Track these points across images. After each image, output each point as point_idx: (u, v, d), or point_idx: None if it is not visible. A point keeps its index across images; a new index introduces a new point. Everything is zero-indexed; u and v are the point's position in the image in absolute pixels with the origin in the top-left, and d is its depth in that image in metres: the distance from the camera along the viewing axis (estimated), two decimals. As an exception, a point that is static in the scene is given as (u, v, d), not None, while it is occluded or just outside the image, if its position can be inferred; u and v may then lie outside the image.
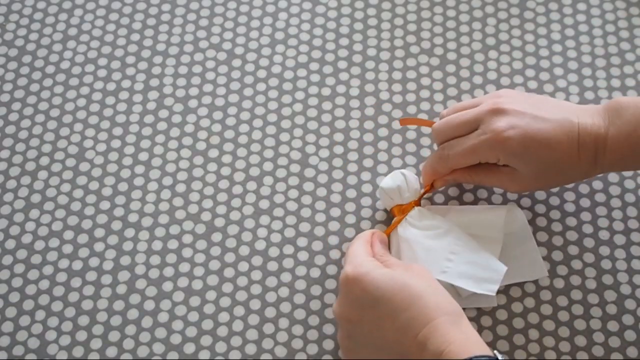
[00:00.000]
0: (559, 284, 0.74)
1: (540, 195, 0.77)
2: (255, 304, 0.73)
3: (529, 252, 0.73)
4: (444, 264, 0.70)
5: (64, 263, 0.75)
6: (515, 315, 0.72)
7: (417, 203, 0.74)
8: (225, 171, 0.78)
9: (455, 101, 0.81)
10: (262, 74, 0.83)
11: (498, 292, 0.73)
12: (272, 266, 0.75)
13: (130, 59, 0.84)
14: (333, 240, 0.76)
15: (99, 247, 0.75)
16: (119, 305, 0.73)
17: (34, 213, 0.77)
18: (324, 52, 0.84)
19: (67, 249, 0.75)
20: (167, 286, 0.74)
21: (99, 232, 0.76)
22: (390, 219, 0.76)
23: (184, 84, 0.82)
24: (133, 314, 0.73)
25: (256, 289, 0.74)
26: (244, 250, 0.75)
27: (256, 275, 0.74)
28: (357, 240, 0.70)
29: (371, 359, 0.65)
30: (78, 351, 0.71)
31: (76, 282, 0.74)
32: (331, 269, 0.74)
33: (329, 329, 0.72)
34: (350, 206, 0.77)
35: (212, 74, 0.83)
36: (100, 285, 0.74)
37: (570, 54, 0.83)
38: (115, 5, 0.86)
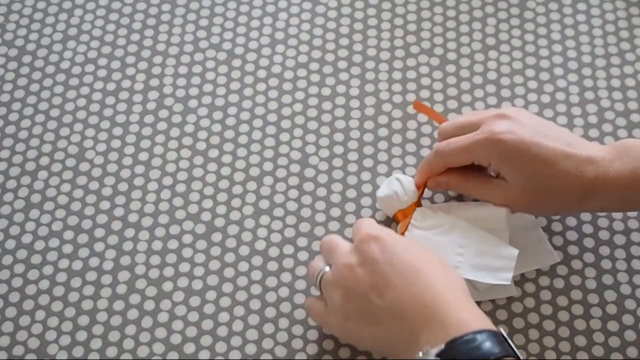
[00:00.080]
0: (559, 284, 0.74)
1: (540, 195, 0.77)
2: (255, 304, 0.73)
3: (538, 241, 0.73)
4: (455, 259, 0.70)
5: (64, 263, 0.75)
6: (515, 315, 0.72)
7: (418, 204, 0.74)
8: (225, 171, 0.78)
9: (455, 101, 0.81)
10: (262, 74, 0.83)
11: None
12: (272, 266, 0.75)
13: (130, 59, 0.84)
14: (333, 240, 0.76)
15: (99, 247, 0.75)
16: (119, 305, 0.73)
17: (34, 213, 0.77)
18: (324, 52, 0.84)
19: (67, 249, 0.75)
20: (167, 286, 0.74)
21: (99, 232, 0.76)
22: (390, 220, 0.76)
23: (184, 84, 0.82)
24: (133, 314, 0.73)
25: (256, 289, 0.74)
26: (244, 250, 0.75)
27: (256, 275, 0.74)
28: (364, 219, 0.70)
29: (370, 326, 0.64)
30: (78, 351, 0.71)
31: (76, 282, 0.74)
32: (331, 269, 0.74)
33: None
34: (350, 206, 0.77)
35: (212, 74, 0.83)
36: (100, 285, 0.74)
37: (570, 54, 0.83)
38: (115, 5, 0.86)
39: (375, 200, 0.77)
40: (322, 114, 0.81)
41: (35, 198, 0.77)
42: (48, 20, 0.85)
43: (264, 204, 0.77)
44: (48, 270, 0.74)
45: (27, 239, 0.76)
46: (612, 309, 0.73)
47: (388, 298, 0.63)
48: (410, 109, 0.81)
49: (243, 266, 0.74)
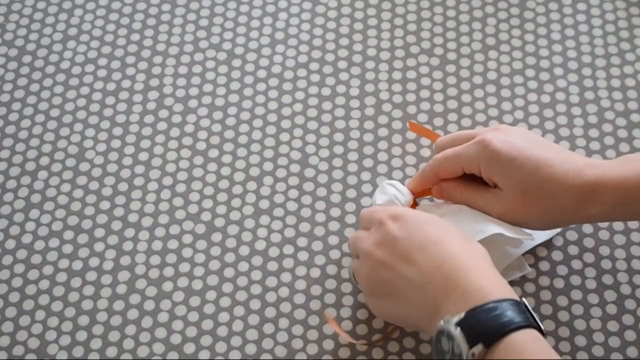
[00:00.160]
0: (559, 284, 0.74)
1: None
2: (255, 304, 0.73)
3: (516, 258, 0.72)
4: (475, 226, 0.68)
5: (64, 263, 0.75)
6: (515, 315, 0.72)
7: (416, 204, 0.74)
8: (225, 171, 0.78)
9: (455, 101, 0.81)
10: (262, 74, 0.83)
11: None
12: (272, 266, 0.75)
13: (130, 59, 0.84)
14: (333, 240, 0.76)
15: (99, 247, 0.75)
16: (119, 305, 0.73)
17: (34, 213, 0.77)
18: (324, 52, 0.84)
19: (67, 249, 0.75)
20: (167, 286, 0.74)
21: (99, 232, 0.76)
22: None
23: (184, 84, 0.82)
24: (133, 314, 0.73)
25: (256, 289, 0.74)
26: (244, 250, 0.75)
27: (256, 275, 0.74)
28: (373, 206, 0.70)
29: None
30: (78, 351, 0.71)
31: (76, 282, 0.74)
32: (331, 269, 0.74)
33: (329, 329, 0.72)
34: (350, 206, 0.77)
35: (212, 74, 0.83)
36: (100, 285, 0.74)
37: (570, 54, 0.84)
38: (115, 5, 0.86)
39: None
40: (322, 114, 0.81)
41: (35, 198, 0.77)
42: (48, 20, 0.85)
43: (264, 204, 0.77)
44: (48, 270, 0.74)
45: (27, 239, 0.76)
46: (612, 309, 0.73)
47: (410, 274, 0.63)
48: (410, 109, 0.81)
49: (243, 266, 0.74)
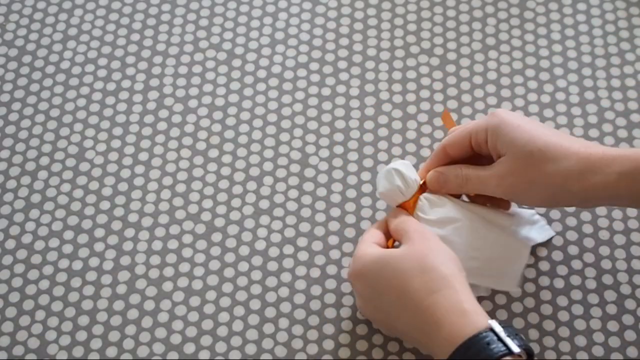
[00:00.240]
0: (559, 284, 0.74)
1: (540, 195, 0.77)
2: (255, 304, 0.73)
3: (516, 265, 0.71)
4: (469, 263, 0.68)
5: (64, 263, 0.75)
6: (516, 315, 0.72)
7: (423, 190, 0.71)
8: (225, 171, 0.78)
9: (455, 101, 0.81)
10: (262, 74, 0.83)
11: (497, 292, 0.73)
12: (272, 266, 0.75)
13: (130, 59, 0.84)
14: (333, 240, 0.76)
15: (99, 247, 0.75)
16: (119, 305, 0.73)
17: (34, 213, 0.77)
18: (324, 52, 0.84)
19: (67, 249, 0.75)
20: (167, 286, 0.74)
21: (99, 232, 0.76)
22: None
23: (184, 84, 0.82)
24: (133, 314, 0.73)
25: (256, 289, 0.74)
26: (244, 250, 0.75)
27: (256, 275, 0.74)
28: (360, 242, 0.70)
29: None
30: (78, 351, 0.71)
31: (76, 282, 0.74)
32: (331, 269, 0.74)
33: (329, 329, 0.72)
34: (350, 206, 0.77)
35: (212, 74, 0.83)
36: (100, 285, 0.74)
37: (570, 54, 0.84)
38: (115, 5, 0.86)
39: (375, 201, 0.77)
40: (322, 114, 0.81)
41: (35, 198, 0.77)
42: (48, 20, 0.85)
43: (264, 204, 0.77)
44: (48, 270, 0.74)
45: (27, 239, 0.76)
46: (612, 309, 0.73)
47: (391, 324, 0.67)
48: (410, 109, 0.81)
49: (243, 266, 0.74)
